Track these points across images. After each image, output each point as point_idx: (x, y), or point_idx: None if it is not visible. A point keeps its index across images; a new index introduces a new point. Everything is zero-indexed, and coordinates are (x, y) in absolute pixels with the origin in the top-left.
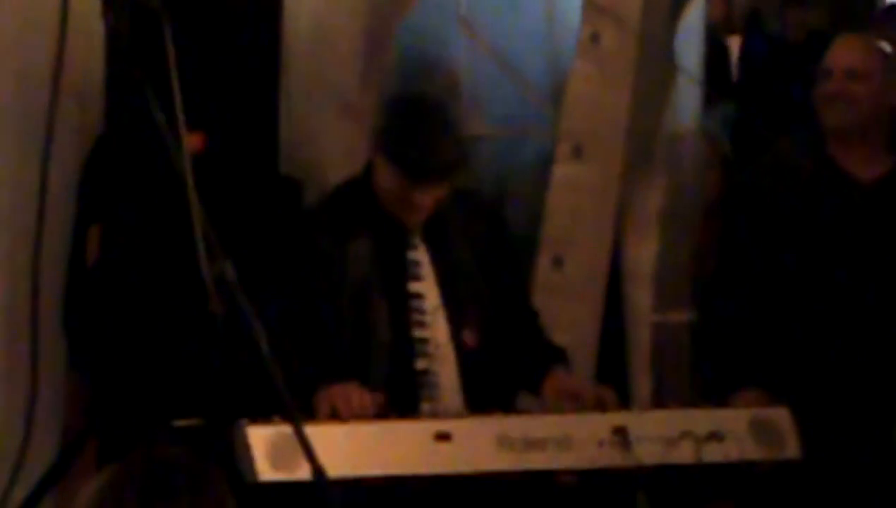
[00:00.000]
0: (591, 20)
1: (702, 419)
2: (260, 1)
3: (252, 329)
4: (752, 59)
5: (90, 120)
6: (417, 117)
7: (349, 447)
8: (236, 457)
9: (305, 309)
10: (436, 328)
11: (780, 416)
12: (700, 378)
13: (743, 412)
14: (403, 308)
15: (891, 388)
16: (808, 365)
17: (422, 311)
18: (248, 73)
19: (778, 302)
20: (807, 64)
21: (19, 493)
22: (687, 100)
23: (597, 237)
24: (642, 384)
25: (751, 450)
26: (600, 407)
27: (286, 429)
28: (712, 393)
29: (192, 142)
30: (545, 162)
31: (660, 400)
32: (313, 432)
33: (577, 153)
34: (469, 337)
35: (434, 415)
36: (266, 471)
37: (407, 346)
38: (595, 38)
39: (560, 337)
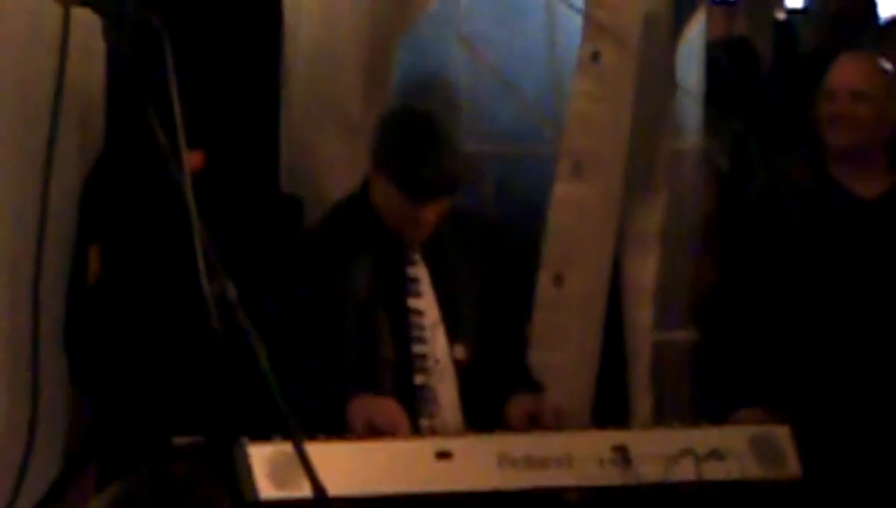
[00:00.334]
0: (591, 38)
1: (702, 437)
2: (260, 18)
3: (253, 347)
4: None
5: (91, 138)
6: (415, 134)
7: (350, 465)
8: (237, 475)
9: (309, 326)
10: (434, 344)
11: (781, 434)
12: (701, 395)
13: (743, 430)
14: (403, 324)
15: (893, 406)
16: (810, 382)
17: (421, 327)
18: (248, 91)
19: (779, 320)
20: (806, 81)
21: None
22: (688, 118)
23: (597, 255)
24: (643, 402)
25: (751, 468)
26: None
27: (287, 447)
28: (713, 411)
29: (192, 160)
30: (546, 180)
31: (660, 418)
32: (314, 450)
33: (578, 171)
34: (459, 352)
35: (434, 433)
36: (267, 489)
37: (407, 362)
38: (595, 56)
39: (560, 355)
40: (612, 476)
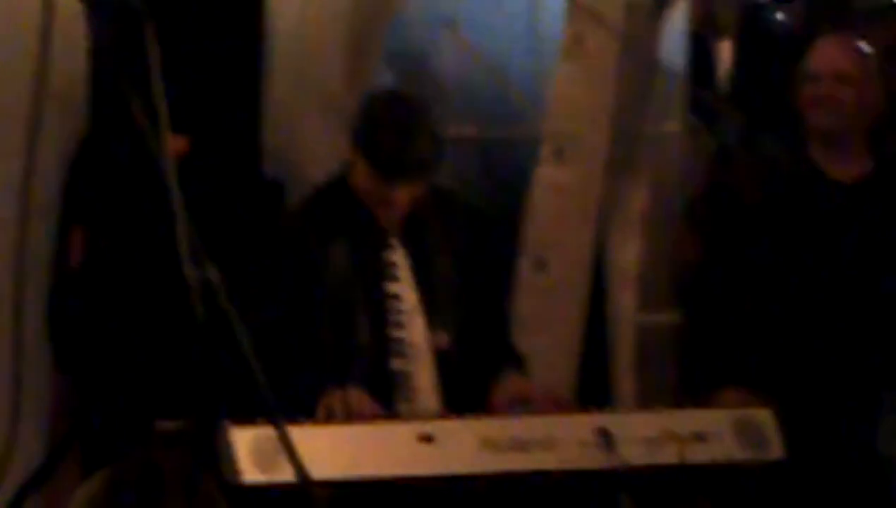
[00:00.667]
0: (574, 22)
1: (685, 419)
2: (243, 2)
3: (235, 331)
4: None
5: (74, 123)
6: (391, 114)
7: (332, 448)
8: (220, 459)
9: (289, 311)
10: (412, 329)
11: (764, 417)
12: (682, 377)
13: (726, 412)
14: (381, 309)
15: (873, 388)
16: (789, 364)
17: (399, 312)
18: (231, 75)
19: (759, 301)
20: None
21: (4, 495)
22: (671, 101)
23: (580, 239)
24: (626, 385)
25: (734, 451)
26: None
27: (270, 431)
28: (694, 392)
29: (175, 144)
30: (529, 164)
31: (643, 401)
32: (297, 434)
33: (560, 155)
34: (440, 338)
35: (415, 417)
36: (249, 473)
37: (384, 347)
38: (578, 39)
39: (543, 339)
40: (594, 459)
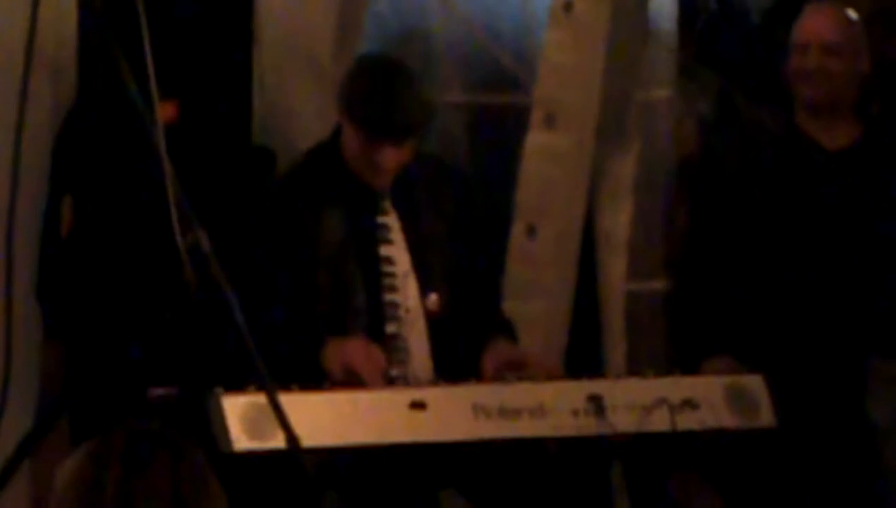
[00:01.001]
0: None
1: (676, 387)
2: None
3: (226, 297)
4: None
5: (63, 90)
6: (379, 75)
7: (324, 416)
8: (211, 426)
9: (281, 275)
10: (405, 292)
11: (755, 384)
12: (673, 345)
13: (718, 379)
14: (374, 272)
15: (861, 355)
16: (778, 332)
17: (392, 275)
18: (221, 42)
19: (748, 269)
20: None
21: None
22: (660, 68)
23: (570, 205)
24: (617, 352)
25: (725, 418)
26: (535, 376)
27: (261, 398)
28: (685, 360)
29: (165, 111)
30: (520, 130)
31: (634, 368)
32: (288, 401)
33: (550, 121)
34: (432, 302)
35: (406, 382)
36: (241, 440)
37: (378, 310)
38: (568, 6)
39: (533, 305)
40: (586, 426)
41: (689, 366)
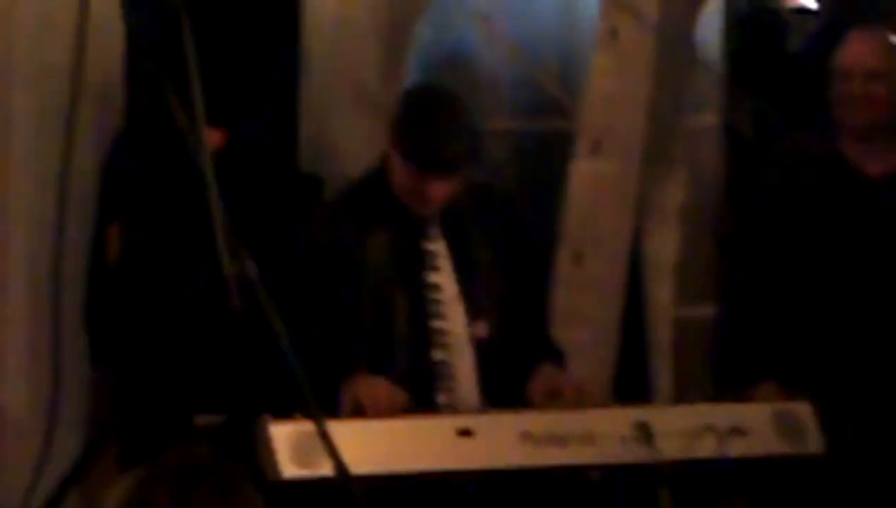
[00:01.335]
0: (609, 15)
1: (724, 413)
2: None
3: (273, 325)
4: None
5: (111, 117)
6: (428, 109)
7: (371, 443)
8: (259, 455)
9: (327, 302)
10: (452, 319)
11: (803, 410)
12: (720, 371)
13: (765, 406)
14: (421, 299)
15: None
16: (825, 358)
17: (439, 302)
18: (268, 69)
19: (793, 295)
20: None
21: (43, 490)
22: (707, 94)
23: (617, 232)
24: (664, 379)
25: (773, 445)
26: (579, 403)
27: (308, 426)
28: (732, 386)
29: (211, 138)
30: (565, 156)
31: (682, 395)
32: (336, 428)
33: (596, 148)
34: (480, 328)
35: (455, 410)
36: (288, 468)
37: (424, 337)
38: (614, 32)
39: (580, 333)
40: (633, 453)
41: (736, 393)
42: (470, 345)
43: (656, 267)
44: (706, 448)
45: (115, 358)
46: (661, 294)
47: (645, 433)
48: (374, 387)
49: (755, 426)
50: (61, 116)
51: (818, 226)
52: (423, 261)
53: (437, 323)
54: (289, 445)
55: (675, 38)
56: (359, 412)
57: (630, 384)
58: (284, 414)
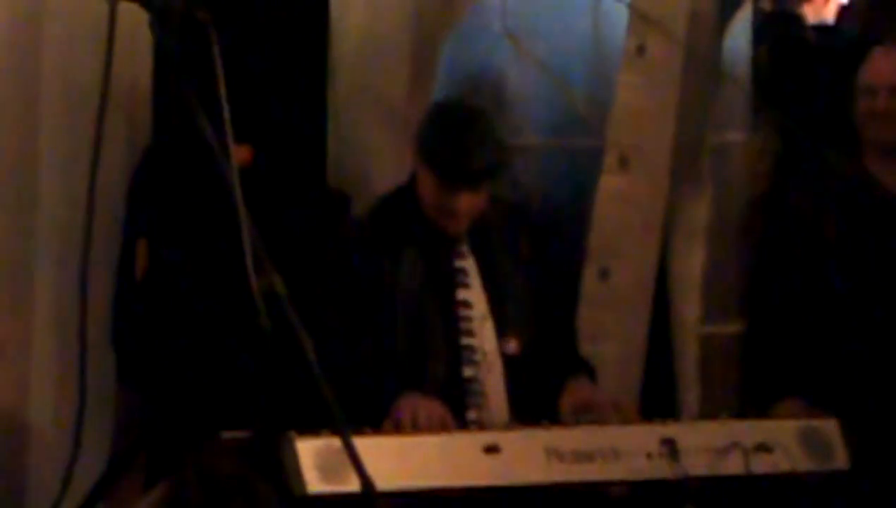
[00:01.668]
0: (637, 31)
1: (750, 430)
2: (307, 12)
3: (301, 342)
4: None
5: (138, 133)
6: (453, 123)
7: (398, 459)
8: (285, 470)
9: (356, 319)
10: (483, 336)
11: (829, 427)
12: (746, 387)
13: (791, 423)
14: (451, 316)
15: None
16: (851, 374)
17: (469, 319)
18: (295, 85)
19: (820, 311)
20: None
21: (68, 505)
22: (734, 110)
23: (643, 248)
24: (690, 395)
25: (800, 462)
26: (615, 417)
27: (335, 441)
28: (758, 403)
29: (239, 154)
30: (593, 173)
31: (708, 411)
32: (362, 444)
33: (624, 164)
34: (510, 345)
35: (481, 426)
36: (314, 484)
37: (455, 354)
38: (641, 49)
39: (607, 349)
40: (659, 470)
41: (762, 409)
42: (500, 362)
43: (683, 283)
44: (732, 465)
45: (141, 375)
46: (688, 310)
47: (671, 449)
48: (433, 409)
49: (781, 442)
50: (89, 132)
51: (843, 242)
52: (453, 279)
53: (467, 340)
54: (315, 460)
55: (702, 54)
56: (414, 428)
57: (656, 400)
58: (311, 429)
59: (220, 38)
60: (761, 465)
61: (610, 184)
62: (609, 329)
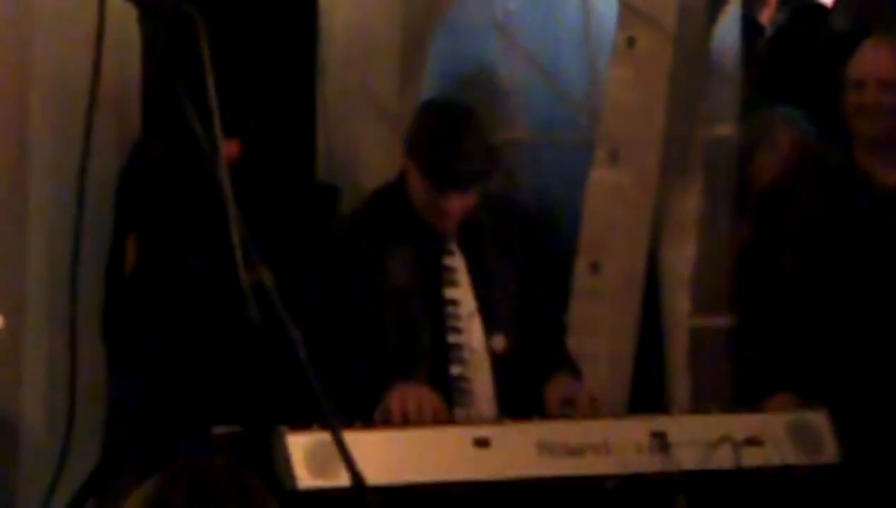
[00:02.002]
0: (626, 24)
1: (740, 423)
2: (296, 7)
3: (290, 336)
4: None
5: (127, 128)
6: (445, 124)
7: (389, 453)
8: (276, 464)
9: (345, 313)
10: (470, 334)
11: (819, 420)
12: (737, 381)
13: (781, 416)
14: (439, 314)
15: None
16: (841, 367)
17: (457, 317)
18: (284, 80)
19: (809, 304)
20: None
21: (60, 501)
22: (724, 103)
23: (633, 241)
24: (680, 388)
25: (790, 455)
26: (592, 412)
27: (325, 436)
28: (749, 396)
29: (228, 149)
30: (582, 167)
31: (698, 405)
32: (352, 439)
33: (614, 158)
34: (497, 342)
35: (472, 421)
36: (305, 478)
37: (443, 352)
38: (631, 42)
39: (597, 342)
40: (650, 463)
41: (752, 403)
42: (488, 360)
43: (673, 276)
44: (722, 459)
45: (131, 369)
46: (678, 304)
47: (661, 443)
48: (420, 395)
49: (771, 436)
50: (78, 126)
51: (833, 235)
52: (441, 277)
53: (454, 338)
54: (305, 455)
55: (692, 48)
56: (404, 420)
57: (646, 394)
58: (301, 424)
59: (208, 33)
60: (751, 458)
61: (600, 177)
62: (600, 322)
